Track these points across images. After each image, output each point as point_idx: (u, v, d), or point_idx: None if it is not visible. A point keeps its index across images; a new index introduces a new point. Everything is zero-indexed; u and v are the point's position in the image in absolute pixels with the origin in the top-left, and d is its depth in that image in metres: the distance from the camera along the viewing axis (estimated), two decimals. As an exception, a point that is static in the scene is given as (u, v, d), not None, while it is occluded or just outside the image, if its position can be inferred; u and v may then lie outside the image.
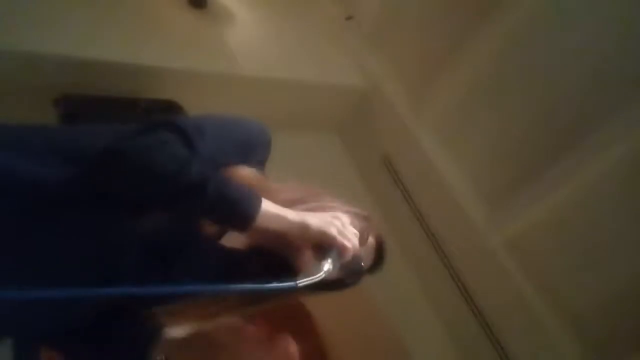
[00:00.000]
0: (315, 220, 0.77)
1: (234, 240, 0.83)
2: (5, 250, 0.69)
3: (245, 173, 0.82)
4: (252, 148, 0.87)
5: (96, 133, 0.82)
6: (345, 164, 2.54)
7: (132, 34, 1.73)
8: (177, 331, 0.75)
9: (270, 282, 0.66)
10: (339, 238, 0.76)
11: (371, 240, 0.90)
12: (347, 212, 0.87)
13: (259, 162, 0.89)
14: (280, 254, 0.81)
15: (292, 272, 0.76)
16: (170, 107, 1.70)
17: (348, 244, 0.76)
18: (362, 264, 0.86)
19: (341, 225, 0.78)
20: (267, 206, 0.73)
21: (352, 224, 0.84)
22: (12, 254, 0.69)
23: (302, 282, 0.68)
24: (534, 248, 1.82)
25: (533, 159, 1.82)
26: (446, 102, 2.14)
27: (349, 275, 0.85)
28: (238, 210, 0.71)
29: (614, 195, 1.61)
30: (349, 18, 2.59)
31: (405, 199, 2.22)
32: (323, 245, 0.76)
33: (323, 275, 0.72)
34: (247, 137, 0.87)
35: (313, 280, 0.70)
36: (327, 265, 0.73)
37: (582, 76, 1.66)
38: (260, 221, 0.72)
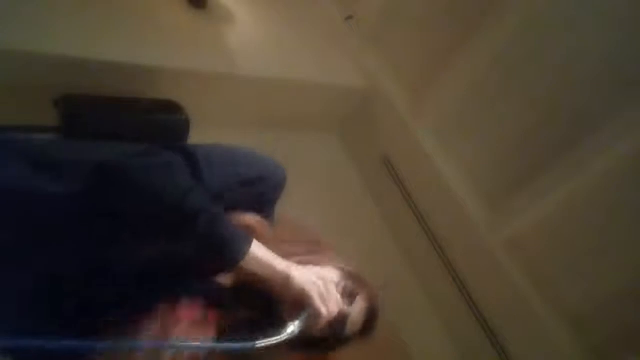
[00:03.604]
0: (300, 275, 0.74)
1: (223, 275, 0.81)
2: (3, 265, 0.68)
3: (248, 218, 0.80)
4: (264, 186, 0.84)
5: (105, 150, 0.81)
6: (345, 164, 2.54)
7: (132, 34, 1.73)
8: None
9: (230, 340, 0.64)
10: (317, 302, 0.73)
11: (362, 303, 0.85)
12: (339, 269, 0.84)
13: (269, 201, 0.87)
14: (265, 295, 0.79)
15: (277, 316, 0.74)
16: (170, 107, 1.70)
17: (323, 310, 0.74)
18: (347, 327, 0.81)
19: (324, 288, 0.75)
20: (256, 251, 0.72)
21: (341, 282, 0.81)
22: (8, 268, 0.69)
23: (261, 343, 0.65)
24: (534, 248, 1.82)
25: (533, 159, 1.82)
26: (446, 102, 2.13)
27: (332, 337, 0.81)
28: (225, 249, 0.69)
29: (616, 195, 1.61)
30: (349, 18, 2.59)
31: (405, 199, 2.22)
32: (301, 302, 0.74)
33: (285, 338, 0.69)
34: (259, 175, 0.84)
35: (272, 342, 0.67)
36: (292, 327, 0.71)
37: (583, 76, 1.66)
38: (246, 264, 0.70)
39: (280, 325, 0.71)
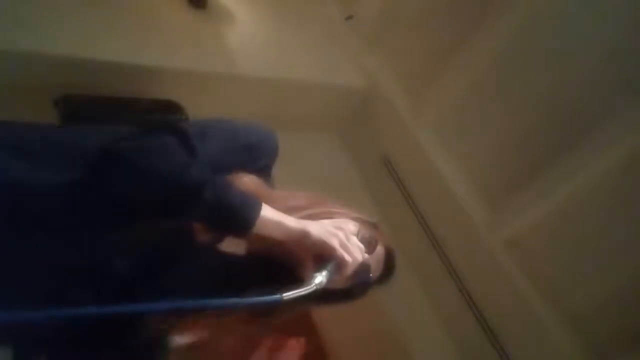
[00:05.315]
0: (317, 228, 0.74)
1: (233, 245, 0.81)
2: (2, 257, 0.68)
3: (247, 180, 0.80)
4: (258, 152, 0.85)
5: (101, 135, 0.80)
6: (345, 164, 2.54)
7: (132, 34, 1.73)
8: (183, 339, 0.74)
9: (255, 296, 0.62)
10: (340, 250, 0.73)
11: (380, 249, 0.86)
12: (355, 219, 0.84)
13: (265, 167, 0.87)
14: (281, 261, 0.79)
15: (294, 280, 0.73)
16: (170, 107, 1.70)
17: (348, 257, 0.73)
18: (371, 274, 0.82)
19: (344, 236, 0.75)
20: (267, 212, 0.71)
21: (360, 231, 0.81)
22: (8, 260, 0.68)
23: (289, 295, 0.64)
24: (534, 248, 1.82)
25: (534, 159, 1.82)
26: (446, 102, 2.14)
27: (357, 286, 0.82)
28: (236, 216, 0.68)
29: (616, 195, 1.61)
30: (349, 18, 2.59)
31: (405, 199, 2.22)
32: (323, 255, 0.74)
33: (313, 288, 0.68)
34: (253, 141, 0.84)
35: (300, 293, 0.66)
36: (320, 278, 0.70)
37: (583, 76, 1.66)
38: (259, 228, 0.70)
39: (302, 282, 0.70)
